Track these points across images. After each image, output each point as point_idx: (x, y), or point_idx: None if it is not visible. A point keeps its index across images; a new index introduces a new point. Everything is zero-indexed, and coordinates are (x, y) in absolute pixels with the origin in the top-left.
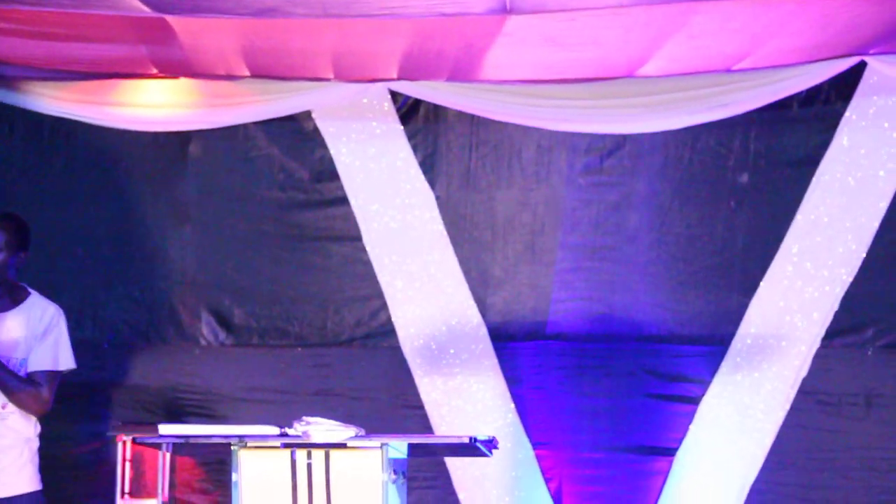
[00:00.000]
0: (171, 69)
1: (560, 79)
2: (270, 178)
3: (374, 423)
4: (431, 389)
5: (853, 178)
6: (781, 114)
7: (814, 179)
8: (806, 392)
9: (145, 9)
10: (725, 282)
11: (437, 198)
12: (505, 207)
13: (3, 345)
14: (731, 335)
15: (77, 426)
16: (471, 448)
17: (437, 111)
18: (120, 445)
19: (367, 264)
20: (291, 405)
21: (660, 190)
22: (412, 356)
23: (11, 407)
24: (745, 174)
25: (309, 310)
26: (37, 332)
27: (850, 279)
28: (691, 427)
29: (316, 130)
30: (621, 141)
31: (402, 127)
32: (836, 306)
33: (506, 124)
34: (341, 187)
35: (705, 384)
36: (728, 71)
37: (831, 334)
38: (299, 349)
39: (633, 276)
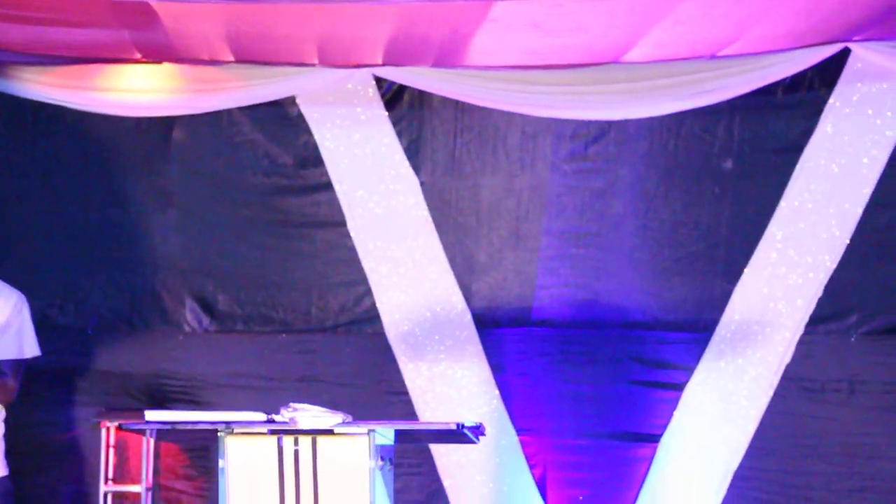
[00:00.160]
0: (155, 54)
1: (545, 65)
2: (254, 163)
3: (358, 410)
4: (416, 376)
5: (837, 164)
6: (766, 100)
7: (798, 166)
8: (789, 378)
9: None
10: (710, 268)
11: (422, 184)
12: (490, 193)
13: None
14: (716, 322)
15: (60, 412)
16: (458, 435)
17: (421, 97)
18: (103, 431)
19: (352, 250)
20: (276, 391)
21: (644, 176)
22: (397, 342)
23: None
24: (730, 161)
25: (293, 296)
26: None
27: (834, 266)
28: (675, 413)
29: (300, 116)
30: (606, 127)
31: (386, 113)
32: (819, 293)
33: (490, 110)
34: (326, 173)
35: (689, 371)
36: (713, 57)
37: (815, 321)
38: (283, 335)
39: (617, 262)
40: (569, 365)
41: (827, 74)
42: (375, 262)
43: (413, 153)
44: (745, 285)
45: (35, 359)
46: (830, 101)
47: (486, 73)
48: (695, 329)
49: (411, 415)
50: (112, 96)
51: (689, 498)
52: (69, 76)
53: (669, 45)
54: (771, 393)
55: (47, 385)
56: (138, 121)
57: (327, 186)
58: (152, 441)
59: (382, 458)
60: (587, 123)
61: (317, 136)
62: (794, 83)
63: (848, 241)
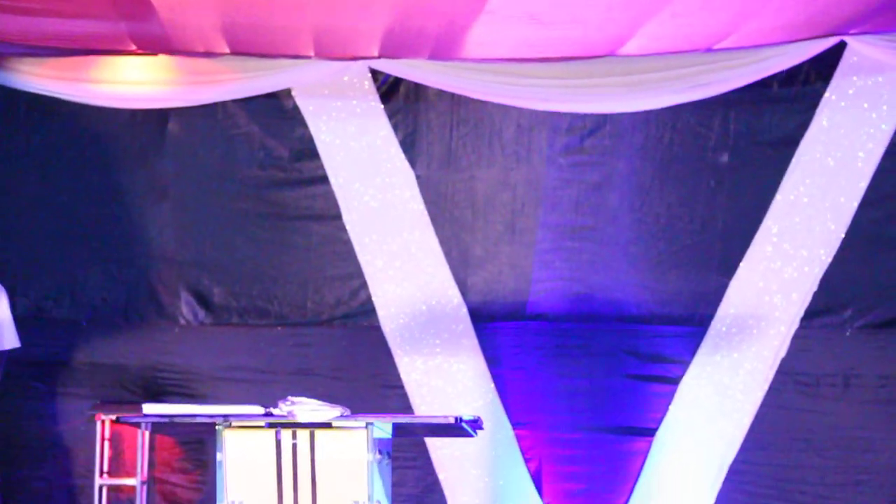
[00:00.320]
0: (150, 46)
1: (541, 57)
2: (250, 156)
3: (353, 403)
4: (411, 369)
5: (833, 158)
6: (762, 94)
7: (793, 160)
8: (784, 372)
9: None
10: (705, 262)
11: (418, 177)
12: (485, 187)
13: None
14: (711, 316)
15: (54, 405)
16: (456, 428)
17: (417, 90)
18: (99, 424)
19: (348, 243)
20: (271, 384)
21: (640, 170)
22: (392, 336)
23: None
24: (726, 154)
25: (289, 289)
26: None
27: (829, 260)
28: (671, 407)
29: (296, 108)
30: (602, 120)
31: (382, 105)
32: (814, 287)
33: (486, 103)
34: (321, 166)
35: (685, 364)
36: (709, 50)
37: (810, 315)
38: (279, 328)
39: (613, 256)
40: (564, 359)
41: (823, 68)
42: (371, 256)
43: (409, 146)
44: (740, 279)
45: (30, 351)
46: (826, 94)
47: (482, 65)
48: (690, 323)
49: (406, 408)
50: (107, 88)
51: (685, 491)
52: (64, 68)
53: (666, 38)
54: (766, 387)
55: (42, 377)
56: (133, 113)
57: (323, 179)
58: (147, 434)
59: (380, 452)
60: (583, 117)
61: (312, 129)
62: (789, 76)
63: (843, 235)
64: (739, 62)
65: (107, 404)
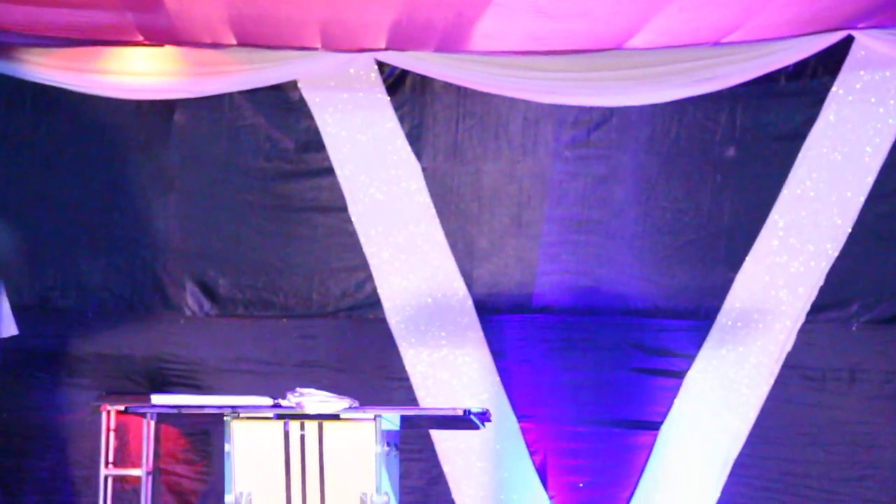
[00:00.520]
0: (157, 37)
1: (548, 50)
2: (256, 147)
3: (359, 395)
4: (417, 362)
5: (839, 152)
6: (768, 88)
7: (800, 154)
8: (790, 366)
9: None
10: (711, 256)
11: (424, 169)
12: (491, 180)
13: None
14: (717, 309)
15: (60, 395)
16: (464, 421)
17: (423, 82)
18: (104, 415)
19: (353, 235)
20: (276, 376)
21: (646, 163)
22: (397, 328)
23: None
24: (732, 148)
25: (294, 281)
26: None
27: (836, 254)
28: (676, 401)
29: (302, 100)
30: (608, 114)
31: (388, 97)
32: (821, 281)
33: (492, 96)
34: (327, 158)
35: (690, 358)
36: (716, 44)
37: (816, 309)
38: (284, 320)
39: (618, 249)
40: (570, 352)
41: (830, 62)
42: (377, 248)
43: (415, 139)
44: (746, 273)
45: (35, 342)
46: (833, 88)
47: (488, 58)
48: (696, 317)
49: (412, 400)
50: (113, 79)
51: (690, 485)
52: (71, 58)
53: (673, 31)
54: (772, 381)
55: (48, 368)
56: (139, 104)
57: (329, 171)
58: (153, 425)
59: (388, 444)
60: (589, 110)
61: (318, 121)
62: (796, 71)
63: (850, 230)
64: (746, 56)
65: (112, 395)
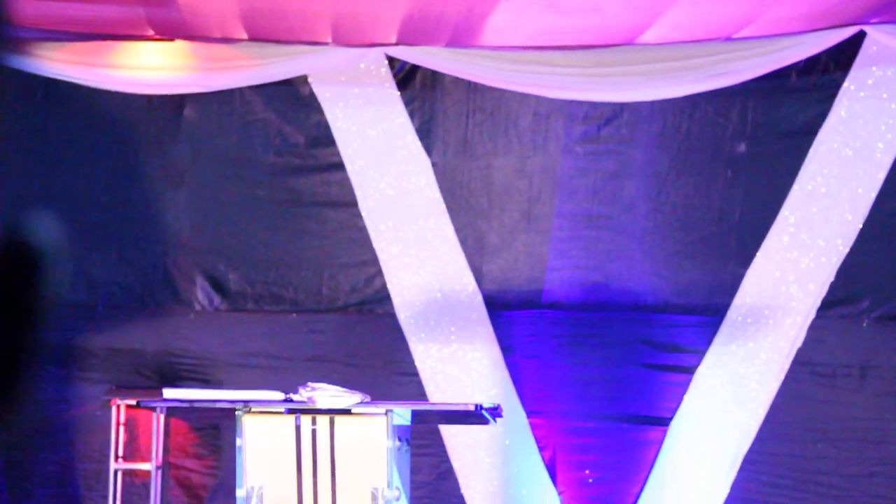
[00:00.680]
0: (168, 31)
1: (559, 45)
2: (266, 142)
3: (368, 390)
4: (426, 357)
5: (851, 148)
6: (780, 83)
7: (811, 150)
8: (801, 363)
9: None
10: (722, 252)
11: (434, 164)
12: (501, 175)
13: None
14: (727, 305)
15: (70, 390)
16: (476, 416)
17: (434, 77)
18: (114, 409)
19: (363, 230)
20: (286, 371)
21: (657, 159)
22: (407, 323)
23: None
24: (743, 144)
25: (304, 275)
26: None
27: (847, 250)
28: (686, 397)
29: (312, 95)
30: (619, 109)
31: (398, 93)
32: (831, 277)
33: (503, 91)
34: (337, 153)
35: (700, 354)
36: (728, 40)
37: (827, 305)
38: (294, 315)
39: (629, 245)
40: (579, 347)
41: (842, 58)
42: (387, 243)
43: (425, 134)
44: (756, 269)
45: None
46: (845, 84)
47: (499, 53)
48: (706, 312)
49: (421, 396)
50: (124, 73)
51: (699, 481)
52: (81, 52)
53: (684, 26)
54: (782, 377)
55: (57, 362)
56: (150, 98)
57: (339, 166)
58: (163, 419)
59: (399, 439)
60: (600, 105)
61: (329, 116)
62: (808, 66)
63: (861, 226)
64: (758, 51)
65: (122, 389)
